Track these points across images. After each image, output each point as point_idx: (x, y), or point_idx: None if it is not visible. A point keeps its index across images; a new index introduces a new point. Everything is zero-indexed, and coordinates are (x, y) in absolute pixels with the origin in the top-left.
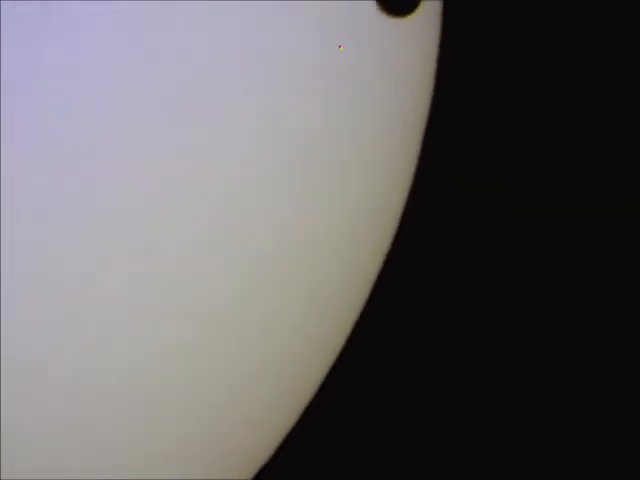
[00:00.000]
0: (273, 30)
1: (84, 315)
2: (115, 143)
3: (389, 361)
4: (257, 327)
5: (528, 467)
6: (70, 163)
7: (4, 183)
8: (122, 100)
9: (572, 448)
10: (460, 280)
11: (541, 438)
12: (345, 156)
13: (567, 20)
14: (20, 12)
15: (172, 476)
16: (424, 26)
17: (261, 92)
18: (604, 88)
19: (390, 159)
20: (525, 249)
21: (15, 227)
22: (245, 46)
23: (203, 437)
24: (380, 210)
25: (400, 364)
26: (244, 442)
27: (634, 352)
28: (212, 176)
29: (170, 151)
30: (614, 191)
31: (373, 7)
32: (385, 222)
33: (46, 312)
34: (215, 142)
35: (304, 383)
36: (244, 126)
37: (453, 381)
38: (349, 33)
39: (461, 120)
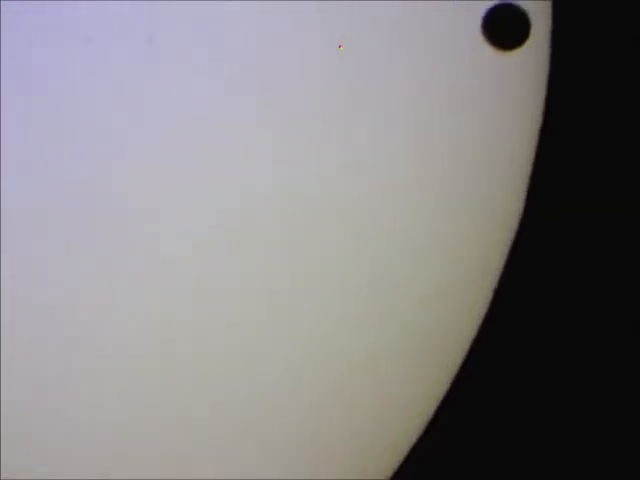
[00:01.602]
0: (384, 66)
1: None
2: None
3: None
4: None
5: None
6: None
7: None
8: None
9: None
10: (575, 292)
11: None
12: (459, 188)
13: None
14: (126, 43)
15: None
16: (532, 59)
17: (384, 127)
18: None
19: (500, 190)
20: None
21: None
22: (358, 84)
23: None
24: (490, 242)
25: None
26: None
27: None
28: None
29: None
30: None
31: (480, 40)
32: (490, 259)
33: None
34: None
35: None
36: (376, 158)
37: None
38: (457, 67)
39: (570, 153)
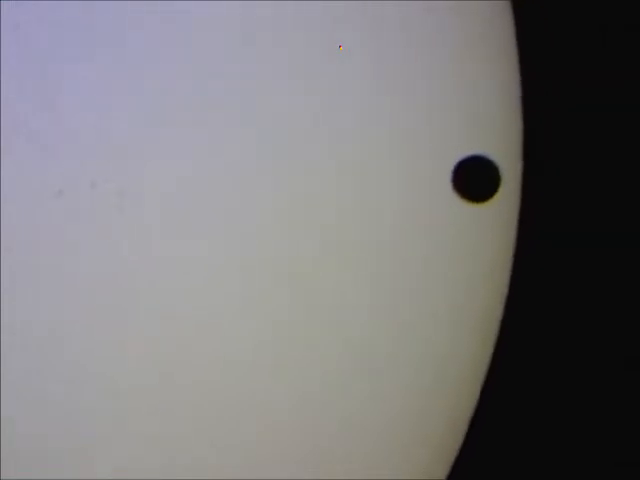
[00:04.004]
0: (352, 223)
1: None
2: None
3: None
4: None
5: None
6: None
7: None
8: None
9: None
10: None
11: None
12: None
13: None
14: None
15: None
16: (502, 211)
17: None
18: None
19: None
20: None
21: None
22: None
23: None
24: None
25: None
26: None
27: None
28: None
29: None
30: None
31: (450, 193)
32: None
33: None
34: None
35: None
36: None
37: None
38: (426, 219)
39: (538, 301)
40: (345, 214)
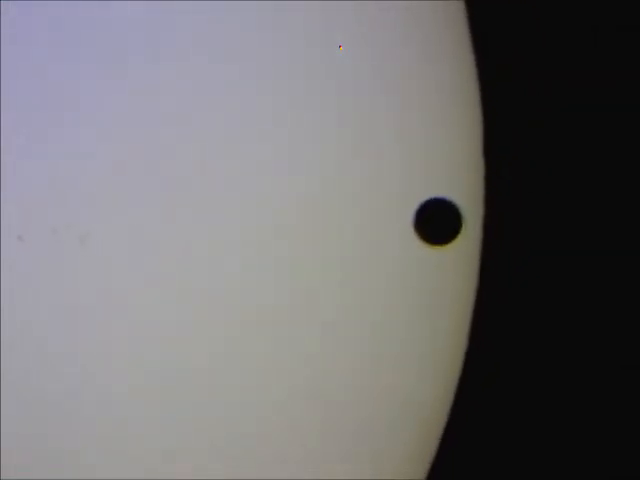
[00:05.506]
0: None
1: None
2: None
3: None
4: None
5: None
6: None
7: None
8: None
9: None
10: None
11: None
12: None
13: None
14: (60, 241)
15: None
16: (463, 254)
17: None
18: None
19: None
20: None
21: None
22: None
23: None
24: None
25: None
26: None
27: None
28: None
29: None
30: None
31: (412, 236)
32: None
33: None
34: None
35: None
36: None
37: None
38: (387, 260)
39: (500, 352)
40: (305, 255)
